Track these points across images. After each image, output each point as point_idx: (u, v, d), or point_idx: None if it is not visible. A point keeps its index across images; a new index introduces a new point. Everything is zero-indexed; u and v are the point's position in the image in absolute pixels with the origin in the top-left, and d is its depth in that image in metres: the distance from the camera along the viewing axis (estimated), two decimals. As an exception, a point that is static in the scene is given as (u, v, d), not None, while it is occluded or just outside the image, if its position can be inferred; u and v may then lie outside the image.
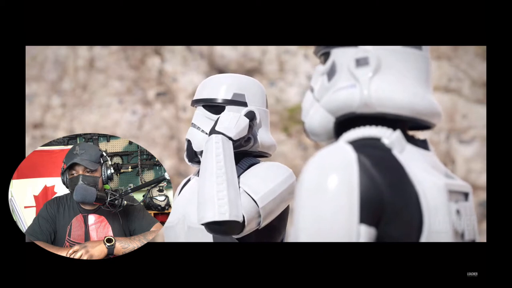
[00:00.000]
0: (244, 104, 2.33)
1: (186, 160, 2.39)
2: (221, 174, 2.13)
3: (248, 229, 2.15)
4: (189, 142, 2.36)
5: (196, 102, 2.38)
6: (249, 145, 2.32)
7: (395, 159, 1.47)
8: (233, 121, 2.24)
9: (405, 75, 1.54)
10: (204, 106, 2.35)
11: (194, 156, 2.35)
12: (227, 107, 2.32)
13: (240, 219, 2.11)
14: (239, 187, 2.18)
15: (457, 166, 6.20)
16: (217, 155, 2.16)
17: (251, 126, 2.29)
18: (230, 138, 2.21)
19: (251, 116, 2.29)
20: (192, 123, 2.37)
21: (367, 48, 1.55)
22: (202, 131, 2.33)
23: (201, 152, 2.31)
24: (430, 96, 1.56)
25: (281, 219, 2.30)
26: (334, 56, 1.59)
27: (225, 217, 2.08)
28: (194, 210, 2.25)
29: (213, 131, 2.22)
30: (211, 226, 2.11)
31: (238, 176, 2.23)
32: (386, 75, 1.53)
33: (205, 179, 2.14)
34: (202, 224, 2.12)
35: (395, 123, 1.55)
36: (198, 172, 2.41)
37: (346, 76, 1.55)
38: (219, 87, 2.35)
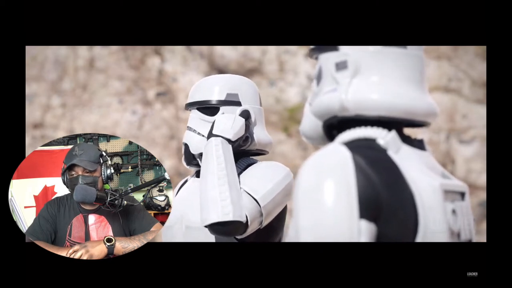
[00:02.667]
0: (238, 103, 2.33)
1: (184, 163, 2.40)
2: (222, 176, 2.14)
3: (251, 229, 2.15)
4: (186, 145, 2.36)
5: (190, 105, 2.38)
6: (247, 144, 2.32)
7: (390, 160, 1.47)
8: (229, 123, 2.24)
9: (388, 76, 1.53)
10: (198, 109, 2.36)
11: (192, 159, 2.36)
12: (222, 108, 2.32)
13: (243, 219, 2.11)
14: (240, 187, 2.18)
15: (457, 166, 6.20)
16: (217, 157, 2.17)
17: (247, 125, 2.29)
18: (228, 140, 2.21)
19: (246, 115, 2.30)
20: (188, 127, 2.37)
21: (346, 52, 1.55)
22: (199, 133, 2.33)
23: (199, 154, 2.31)
24: (419, 94, 1.54)
25: (279, 219, 2.30)
26: (321, 61, 1.60)
27: (229, 217, 2.09)
28: (192, 210, 2.25)
29: (210, 135, 2.23)
30: (214, 227, 2.11)
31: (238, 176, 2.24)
32: (366, 77, 1.53)
33: (207, 181, 2.15)
34: (206, 226, 2.12)
35: (390, 123, 1.54)
36: (196, 173, 2.42)
37: (329, 81, 1.56)
38: (212, 88, 2.35)
